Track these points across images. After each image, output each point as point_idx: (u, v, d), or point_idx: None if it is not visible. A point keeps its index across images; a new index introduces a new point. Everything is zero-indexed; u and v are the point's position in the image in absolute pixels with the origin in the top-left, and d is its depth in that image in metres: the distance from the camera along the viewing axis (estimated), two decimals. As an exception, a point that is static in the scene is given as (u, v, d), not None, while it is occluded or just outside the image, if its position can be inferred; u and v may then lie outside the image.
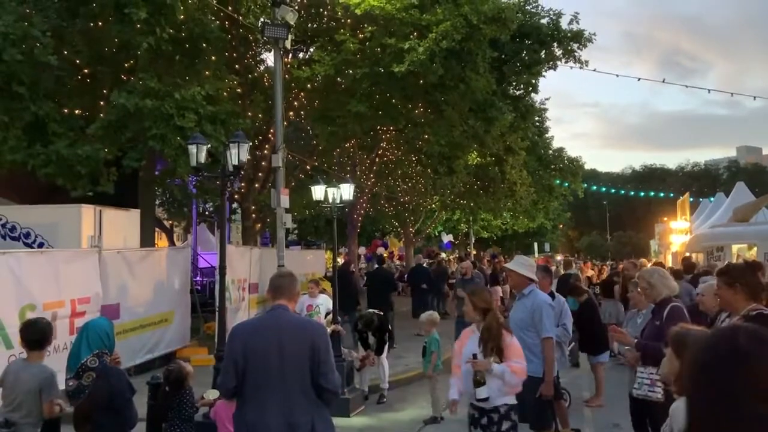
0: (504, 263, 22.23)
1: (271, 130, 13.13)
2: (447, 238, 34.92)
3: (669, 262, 20.95)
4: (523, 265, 5.54)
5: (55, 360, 7.76)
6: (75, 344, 4.41)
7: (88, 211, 9.87)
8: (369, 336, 8.85)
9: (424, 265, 20.17)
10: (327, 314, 8.99)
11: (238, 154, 7.59)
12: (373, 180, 21.06)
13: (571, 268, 14.59)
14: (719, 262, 13.64)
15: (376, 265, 16.46)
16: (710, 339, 1.49)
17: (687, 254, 17.76)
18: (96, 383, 4.07)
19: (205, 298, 14.69)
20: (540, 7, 17.51)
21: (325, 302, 9.23)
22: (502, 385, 4.31)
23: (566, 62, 17.23)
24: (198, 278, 16.40)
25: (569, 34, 16.81)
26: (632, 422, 5.15)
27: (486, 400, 4.37)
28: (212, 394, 5.28)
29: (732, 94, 31.81)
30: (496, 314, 4.50)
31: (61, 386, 4.83)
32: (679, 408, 2.55)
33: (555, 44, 16.90)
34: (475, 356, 4.43)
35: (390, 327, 9.27)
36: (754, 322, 3.35)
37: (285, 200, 10.15)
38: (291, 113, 14.82)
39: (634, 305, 5.96)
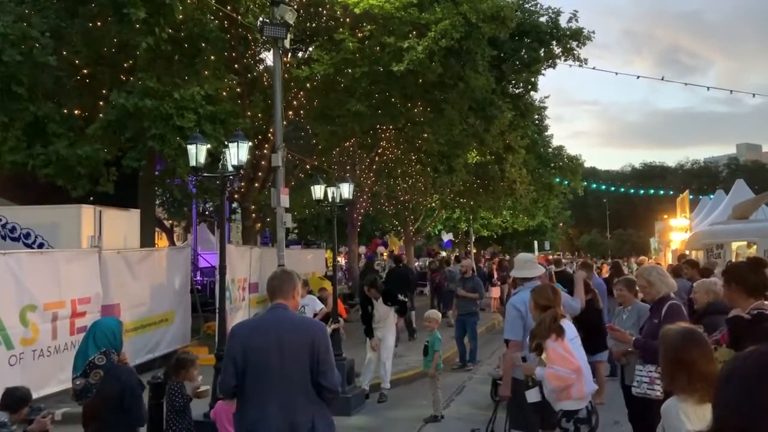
0: (505, 263, 22.29)
1: (271, 130, 13.14)
2: (447, 236, 34.91)
3: (669, 260, 20.95)
4: (521, 268, 5.47)
5: (57, 360, 7.80)
6: (83, 343, 4.42)
7: (88, 211, 9.88)
8: (373, 307, 8.87)
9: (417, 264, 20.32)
10: (314, 315, 8.97)
11: (237, 153, 7.59)
12: (372, 179, 21.06)
13: (560, 266, 14.92)
14: (719, 259, 13.65)
15: (393, 264, 16.82)
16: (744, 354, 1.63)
17: (686, 252, 17.78)
18: (106, 380, 4.08)
19: (205, 297, 14.71)
20: (539, 5, 17.50)
21: (311, 303, 9.24)
22: (552, 389, 4.14)
23: (565, 60, 17.24)
24: (198, 278, 16.42)
25: (568, 33, 16.81)
26: (629, 419, 5.18)
27: (539, 403, 4.25)
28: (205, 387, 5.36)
29: (731, 91, 31.91)
30: (554, 312, 4.29)
31: (68, 384, 4.83)
32: (669, 407, 2.56)
33: (554, 42, 16.88)
34: (524, 358, 4.36)
35: (412, 320, 9.36)
36: (753, 321, 3.36)
37: (285, 200, 10.16)
38: (290, 112, 14.82)
39: (620, 303, 6.00)
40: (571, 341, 4.23)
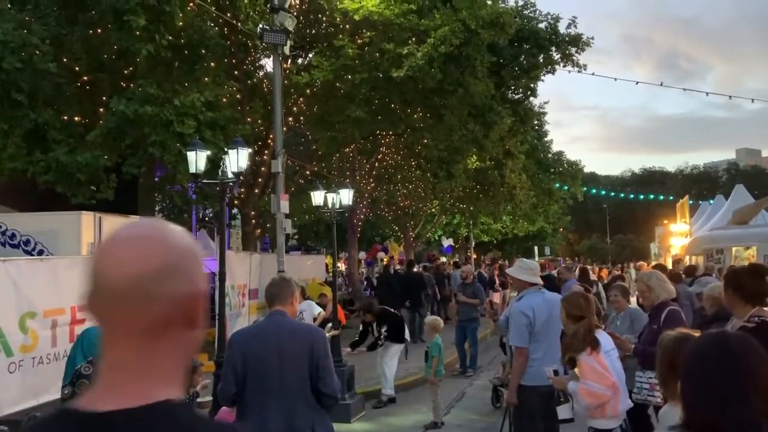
0: (504, 267, 22.26)
1: (271, 136, 13.16)
2: (447, 242, 34.92)
3: (669, 265, 20.94)
4: (522, 269, 5.34)
5: (57, 367, 7.77)
6: (72, 351, 4.41)
7: (88, 218, 9.87)
8: (374, 329, 8.86)
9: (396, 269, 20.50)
10: (313, 320, 8.98)
11: (237, 159, 7.62)
12: (372, 185, 21.08)
13: (543, 271, 15.07)
14: (718, 264, 13.65)
15: (407, 268, 17.73)
16: (703, 341, 1.68)
17: (686, 257, 17.78)
18: None
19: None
20: (538, 12, 17.57)
21: (309, 308, 9.25)
22: (586, 407, 3.91)
23: (564, 66, 17.27)
24: (198, 284, 16.37)
25: (567, 38, 16.86)
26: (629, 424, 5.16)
27: (570, 421, 4.07)
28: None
29: (730, 96, 31.80)
30: (589, 323, 4.06)
31: (59, 395, 4.83)
32: (666, 413, 2.57)
33: (553, 48, 16.93)
34: (556, 372, 4.19)
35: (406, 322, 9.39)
36: (754, 331, 3.34)
37: (285, 205, 10.16)
38: (290, 119, 14.86)
39: (615, 308, 6.01)
40: (606, 354, 4.00)
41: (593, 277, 14.05)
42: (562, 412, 4.11)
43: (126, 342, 0.95)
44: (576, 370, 3.95)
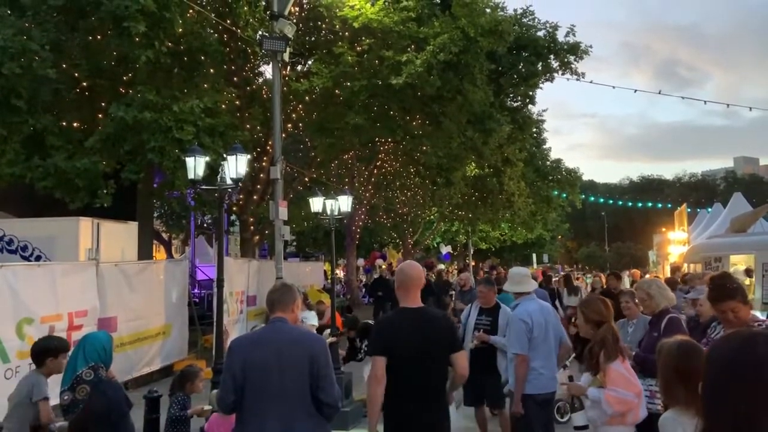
0: (501, 275, 22.25)
1: (270, 142, 13.17)
2: (446, 249, 34.91)
3: (667, 273, 20.95)
4: (517, 283, 5.39)
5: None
6: (72, 356, 4.38)
7: (85, 223, 9.86)
8: (358, 341, 8.88)
9: (387, 277, 20.37)
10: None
11: (236, 166, 7.60)
12: (371, 191, 21.09)
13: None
14: (716, 273, 13.61)
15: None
16: (730, 344, 1.50)
17: (684, 265, 17.79)
18: (92, 396, 4.02)
19: (203, 310, 14.65)
20: (536, 20, 17.66)
21: (310, 317, 9.24)
22: (604, 413, 3.79)
23: (563, 74, 17.34)
24: (196, 291, 16.36)
25: (566, 47, 16.95)
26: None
27: (585, 428, 3.96)
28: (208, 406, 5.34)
29: (728, 105, 31.87)
30: (612, 327, 3.98)
31: (56, 400, 4.80)
32: (666, 420, 2.55)
33: (551, 56, 17.02)
34: (571, 378, 4.09)
35: None
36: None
37: (283, 212, 10.15)
38: (289, 125, 14.87)
39: (626, 315, 5.95)
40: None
41: (577, 282, 14.09)
42: (578, 419, 4.01)
43: (414, 293, 3.83)
44: (599, 376, 3.88)
